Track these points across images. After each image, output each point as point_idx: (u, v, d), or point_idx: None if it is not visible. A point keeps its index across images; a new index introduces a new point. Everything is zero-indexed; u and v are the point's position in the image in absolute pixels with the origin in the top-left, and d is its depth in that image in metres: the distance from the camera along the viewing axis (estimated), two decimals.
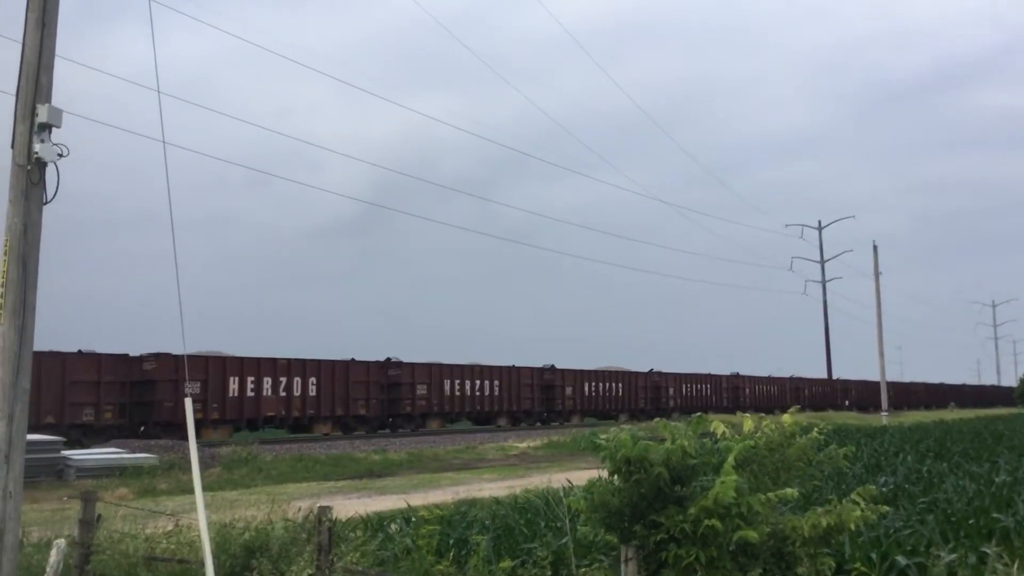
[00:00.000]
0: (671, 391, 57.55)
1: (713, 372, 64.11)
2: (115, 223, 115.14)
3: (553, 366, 49.47)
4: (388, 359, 40.29)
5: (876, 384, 75.63)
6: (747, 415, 7.82)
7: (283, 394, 34.45)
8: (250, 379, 33.38)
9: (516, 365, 46.64)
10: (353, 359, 38.16)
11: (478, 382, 44.13)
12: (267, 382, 33.99)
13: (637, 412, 53.27)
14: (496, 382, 45.03)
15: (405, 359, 40.81)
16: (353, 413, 37.75)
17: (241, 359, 33.72)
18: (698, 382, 61.36)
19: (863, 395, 79.84)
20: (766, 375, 70.79)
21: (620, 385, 53.78)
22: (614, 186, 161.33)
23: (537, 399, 47.79)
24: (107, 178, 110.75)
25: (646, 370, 57.22)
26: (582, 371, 51.74)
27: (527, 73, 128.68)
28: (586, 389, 51.24)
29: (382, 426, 39.84)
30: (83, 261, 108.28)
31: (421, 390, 40.88)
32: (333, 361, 36.87)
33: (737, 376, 65.86)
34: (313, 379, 35.35)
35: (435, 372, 41.76)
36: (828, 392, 76.30)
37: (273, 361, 34.54)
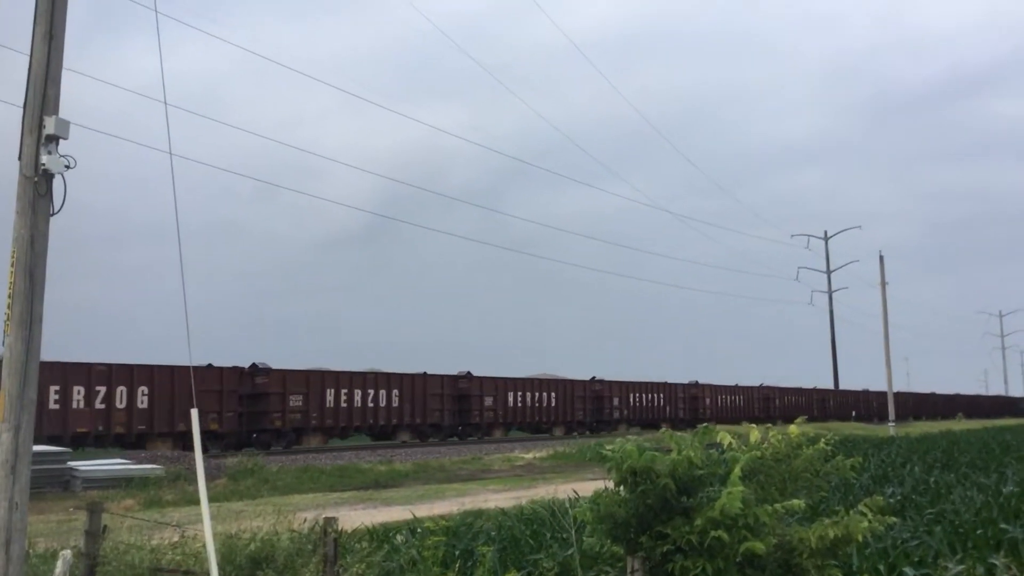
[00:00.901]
0: (707, 401, 59.53)
1: (741, 383, 65.65)
2: (127, 234, 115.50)
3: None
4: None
5: (883, 394, 75.65)
6: (754, 426, 7.80)
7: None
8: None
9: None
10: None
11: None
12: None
13: (678, 423, 53.45)
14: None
15: (405, 370, 41.18)
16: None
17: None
18: (732, 394, 63.54)
19: (868, 405, 79.65)
20: (793, 386, 72.17)
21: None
22: (620, 196, 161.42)
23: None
24: (118, 190, 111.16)
25: (686, 382, 58.62)
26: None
27: (534, 83, 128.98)
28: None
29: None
30: (97, 272, 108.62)
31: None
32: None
33: (765, 387, 66.72)
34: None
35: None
36: (840, 402, 76.55)
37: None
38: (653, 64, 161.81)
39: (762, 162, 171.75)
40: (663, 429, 7.59)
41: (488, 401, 43.41)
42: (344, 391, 36.82)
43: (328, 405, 36.09)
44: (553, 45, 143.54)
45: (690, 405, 57.31)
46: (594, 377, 51.45)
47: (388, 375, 38.90)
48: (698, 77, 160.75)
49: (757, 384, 66.65)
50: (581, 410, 49.40)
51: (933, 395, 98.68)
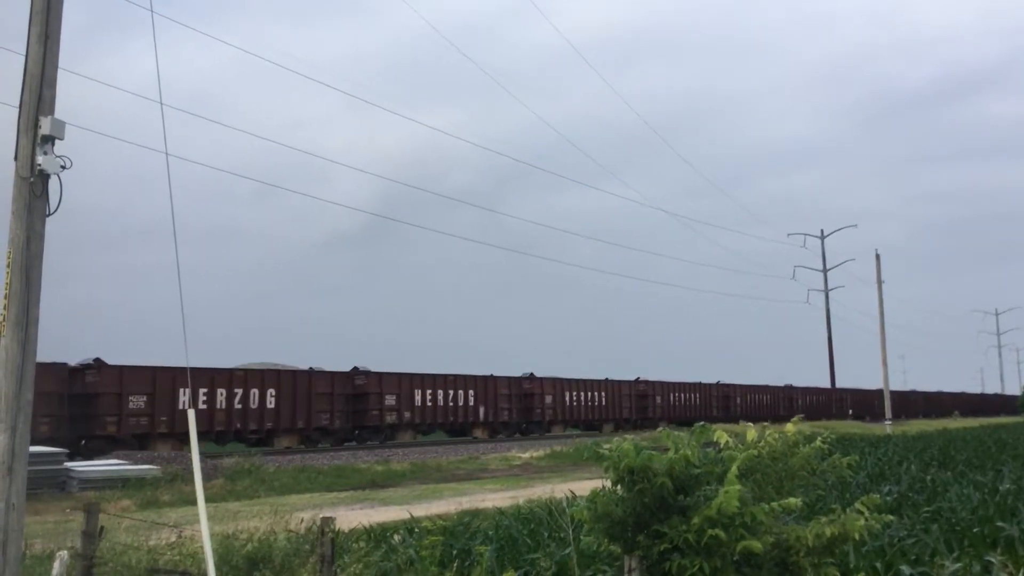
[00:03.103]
0: (737, 400, 61.31)
1: (770, 383, 67.31)
2: (128, 235, 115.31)
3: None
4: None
5: (878, 392, 75.82)
6: (750, 424, 7.80)
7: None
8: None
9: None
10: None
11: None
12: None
13: (712, 419, 53.25)
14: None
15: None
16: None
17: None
18: (760, 393, 65.35)
19: (864, 404, 79.70)
20: (813, 385, 72.76)
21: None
22: (619, 197, 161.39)
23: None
24: (119, 191, 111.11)
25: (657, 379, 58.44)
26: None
27: (535, 85, 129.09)
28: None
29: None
30: (101, 272, 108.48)
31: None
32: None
33: (790, 388, 66.81)
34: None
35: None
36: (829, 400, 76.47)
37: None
38: (652, 66, 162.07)
39: (759, 162, 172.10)
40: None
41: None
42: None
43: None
44: (553, 47, 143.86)
45: (637, 404, 56.01)
46: (639, 378, 54.98)
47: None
48: (696, 79, 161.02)
49: (714, 382, 64.69)
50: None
51: (927, 393, 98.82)
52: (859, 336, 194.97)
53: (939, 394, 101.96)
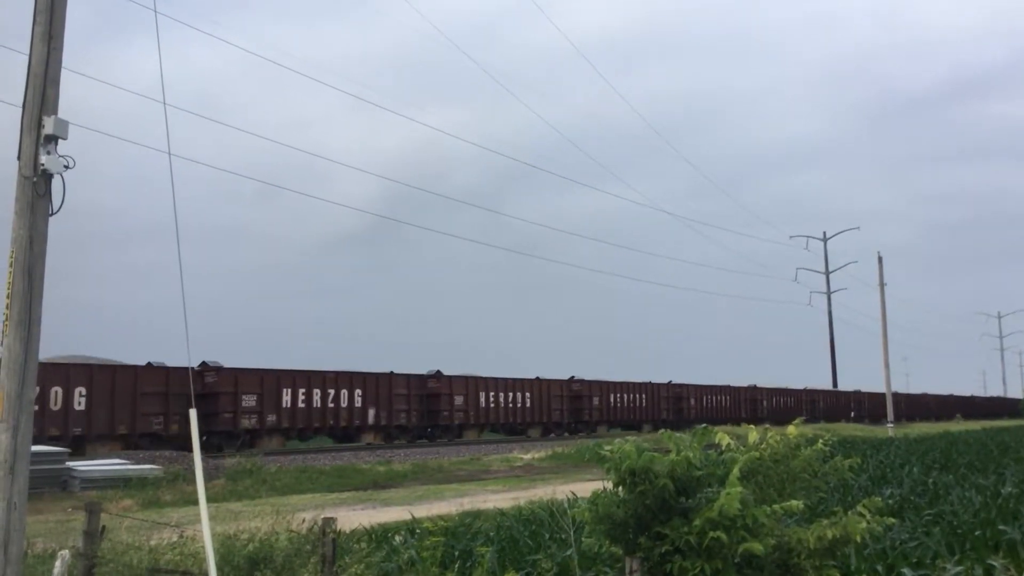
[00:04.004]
0: (692, 402, 60.25)
1: (770, 385, 67.56)
2: (131, 234, 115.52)
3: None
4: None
5: (881, 395, 75.70)
6: (754, 427, 7.80)
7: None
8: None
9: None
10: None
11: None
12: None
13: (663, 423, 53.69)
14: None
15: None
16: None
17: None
18: (785, 395, 67.53)
19: (868, 406, 79.68)
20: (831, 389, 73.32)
21: (644, 396, 56.44)
22: (621, 198, 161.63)
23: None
24: (124, 191, 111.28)
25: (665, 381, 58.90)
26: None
27: (538, 86, 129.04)
28: (612, 399, 53.90)
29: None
30: (108, 271, 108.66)
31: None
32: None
33: (754, 388, 66.86)
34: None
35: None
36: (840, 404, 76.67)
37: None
38: (655, 67, 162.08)
39: (762, 163, 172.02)
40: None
41: (459, 401, 44.63)
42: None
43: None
44: (557, 48, 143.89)
45: (570, 405, 54.94)
46: (572, 377, 52.09)
47: (351, 374, 38.86)
48: (700, 79, 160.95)
49: (747, 385, 66.70)
50: (559, 410, 51.73)
51: (927, 396, 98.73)
52: (862, 338, 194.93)
53: (941, 396, 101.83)
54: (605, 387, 52.67)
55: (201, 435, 31.49)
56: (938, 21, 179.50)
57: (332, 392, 37.17)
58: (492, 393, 45.14)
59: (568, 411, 50.75)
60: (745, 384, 66.72)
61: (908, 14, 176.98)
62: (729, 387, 64.16)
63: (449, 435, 42.77)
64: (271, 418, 34.61)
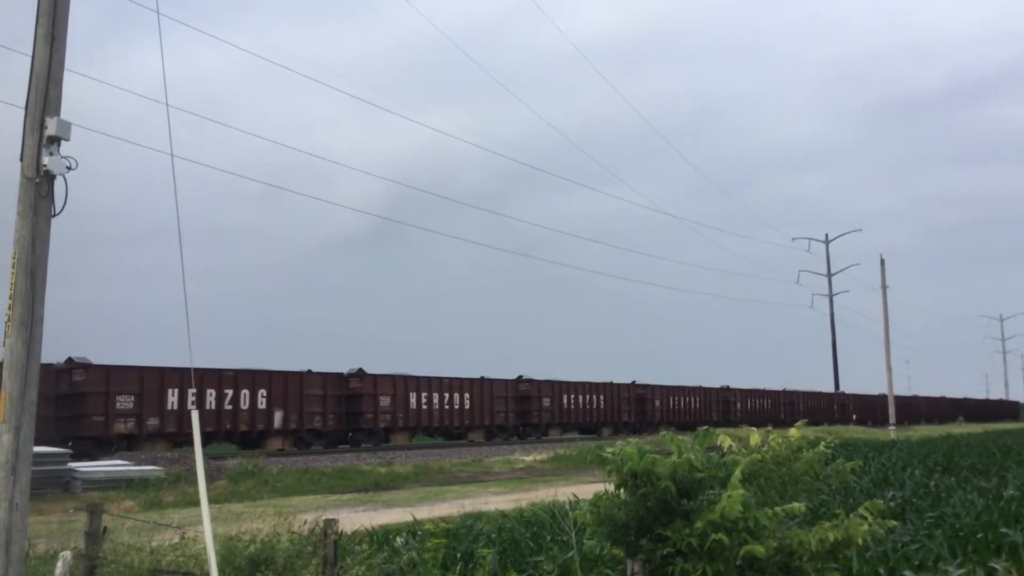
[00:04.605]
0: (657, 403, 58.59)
1: (771, 387, 66.86)
2: (133, 235, 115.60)
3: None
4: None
5: (873, 397, 75.70)
6: (754, 428, 7.80)
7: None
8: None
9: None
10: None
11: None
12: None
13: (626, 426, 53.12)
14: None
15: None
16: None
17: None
18: (761, 396, 65.88)
19: (867, 409, 79.55)
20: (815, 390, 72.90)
21: (600, 397, 51.96)
22: (623, 200, 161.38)
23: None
24: (130, 192, 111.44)
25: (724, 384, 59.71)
26: (557, 382, 53.42)
27: (541, 88, 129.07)
28: (566, 401, 49.85)
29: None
30: (111, 272, 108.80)
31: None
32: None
33: (727, 389, 66.41)
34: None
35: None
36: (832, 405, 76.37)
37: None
38: (658, 68, 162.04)
39: (765, 165, 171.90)
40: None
41: (385, 402, 40.56)
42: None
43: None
44: (559, 50, 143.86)
45: (723, 408, 57.88)
46: (520, 376, 47.70)
47: (255, 373, 34.57)
48: (703, 81, 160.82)
49: (719, 386, 64.53)
50: (627, 411, 53.48)
51: (932, 398, 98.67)
52: (864, 341, 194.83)
53: (943, 399, 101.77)
54: (557, 387, 48.81)
55: (66, 441, 28.39)
56: (941, 23, 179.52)
57: (230, 392, 32.83)
58: (425, 394, 40.99)
59: (514, 413, 46.72)
60: (781, 388, 66.53)
61: (911, 16, 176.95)
62: (700, 388, 61.25)
63: (374, 440, 38.64)
64: (152, 422, 30.26)
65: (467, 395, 43.36)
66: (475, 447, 40.13)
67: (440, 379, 42.21)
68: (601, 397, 51.08)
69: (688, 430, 47.48)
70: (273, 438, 34.39)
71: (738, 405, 64.03)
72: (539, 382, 47.47)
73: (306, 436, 35.89)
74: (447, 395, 42.31)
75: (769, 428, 7.73)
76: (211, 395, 32.11)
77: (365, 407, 38.11)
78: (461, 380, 43.24)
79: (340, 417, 37.37)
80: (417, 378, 41.13)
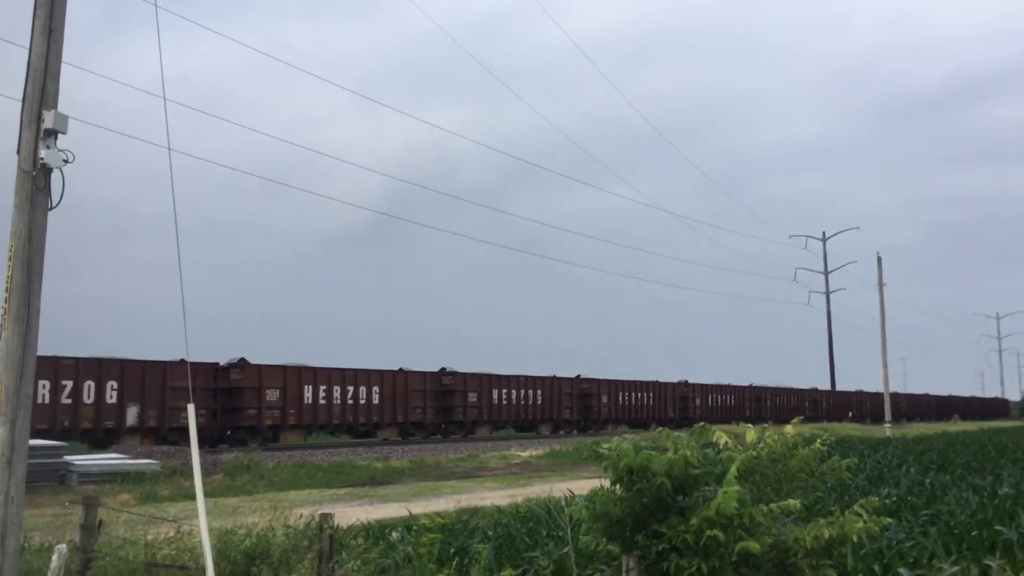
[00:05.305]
0: (698, 401, 60.41)
1: (735, 383, 66.56)
2: (135, 229, 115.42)
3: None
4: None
5: (881, 395, 75.68)
6: (750, 425, 7.81)
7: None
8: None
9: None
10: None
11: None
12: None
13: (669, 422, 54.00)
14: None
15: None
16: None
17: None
18: (788, 395, 67.24)
19: (869, 407, 79.75)
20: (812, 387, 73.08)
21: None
22: (623, 197, 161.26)
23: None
24: (131, 186, 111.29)
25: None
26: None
27: (542, 85, 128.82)
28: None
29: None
30: (109, 266, 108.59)
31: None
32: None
33: (756, 387, 66.38)
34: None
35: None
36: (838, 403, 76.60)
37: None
38: (660, 67, 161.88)
39: (765, 164, 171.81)
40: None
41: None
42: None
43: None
44: (561, 47, 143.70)
45: (681, 404, 57.25)
46: (443, 368, 43.74)
47: (101, 360, 30.33)
48: (704, 79, 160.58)
49: (747, 384, 66.27)
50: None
51: (927, 396, 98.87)
52: (860, 338, 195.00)
53: (940, 397, 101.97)
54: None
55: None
56: (942, 23, 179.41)
57: (69, 385, 28.64)
58: (324, 387, 36.59)
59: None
60: (748, 383, 66.27)
61: (912, 16, 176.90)
62: (733, 386, 63.67)
63: (258, 438, 33.30)
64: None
65: (376, 388, 38.71)
66: (472, 443, 40.07)
67: (343, 370, 37.67)
68: (539, 392, 47.19)
69: (641, 428, 48.04)
70: (128, 437, 29.83)
71: (767, 403, 64.00)
72: (465, 375, 43.45)
73: (170, 435, 30.78)
74: (352, 388, 37.66)
75: (766, 425, 7.73)
76: (44, 387, 27.37)
77: (247, 402, 33.29)
78: (369, 372, 38.91)
79: (216, 413, 32.78)
80: (314, 369, 36.43)
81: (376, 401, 38.70)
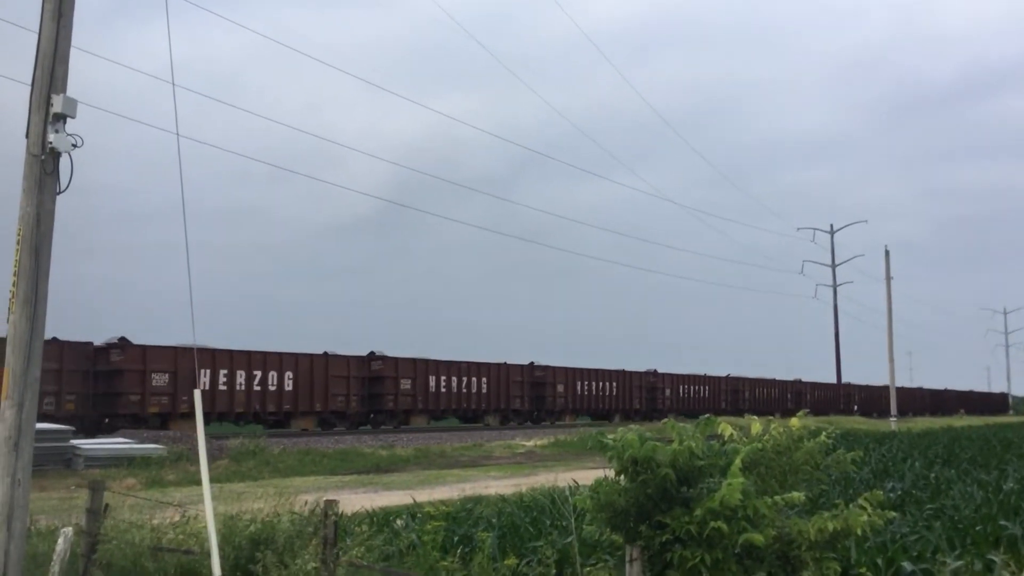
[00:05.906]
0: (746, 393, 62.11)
1: (776, 377, 67.12)
2: (145, 215, 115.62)
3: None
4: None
5: (878, 388, 75.53)
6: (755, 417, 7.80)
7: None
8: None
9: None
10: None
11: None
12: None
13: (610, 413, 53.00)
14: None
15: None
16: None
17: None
18: (769, 386, 66.09)
19: (871, 400, 79.52)
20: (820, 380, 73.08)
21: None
22: (631, 188, 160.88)
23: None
24: (141, 171, 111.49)
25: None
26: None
27: (551, 75, 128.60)
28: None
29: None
30: (119, 250, 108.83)
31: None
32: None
33: (733, 378, 66.19)
34: (485, 378, 41.76)
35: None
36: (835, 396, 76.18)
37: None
38: (669, 57, 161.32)
39: (774, 155, 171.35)
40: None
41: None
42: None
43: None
44: (570, 37, 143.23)
45: (648, 395, 54.71)
46: (373, 352, 39.83)
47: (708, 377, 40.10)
48: (713, 70, 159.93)
49: (724, 375, 63.51)
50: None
51: (934, 390, 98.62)
52: (867, 332, 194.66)
53: (945, 392, 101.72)
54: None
55: None
56: (955, 16, 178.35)
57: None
58: (225, 371, 32.69)
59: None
60: (725, 374, 63.91)
61: (925, 8, 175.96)
62: (708, 377, 60.89)
63: (141, 423, 29.85)
64: None
65: (289, 374, 34.73)
66: (477, 431, 40.12)
67: (248, 352, 33.64)
68: (484, 379, 44.16)
69: (603, 420, 47.57)
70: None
71: (746, 394, 63.37)
72: (396, 359, 39.64)
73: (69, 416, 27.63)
74: (259, 373, 33.86)
75: (771, 418, 7.72)
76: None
77: (128, 387, 29.76)
78: (282, 355, 34.89)
79: (88, 399, 29.28)
80: (213, 351, 32.28)
81: (289, 388, 34.62)
